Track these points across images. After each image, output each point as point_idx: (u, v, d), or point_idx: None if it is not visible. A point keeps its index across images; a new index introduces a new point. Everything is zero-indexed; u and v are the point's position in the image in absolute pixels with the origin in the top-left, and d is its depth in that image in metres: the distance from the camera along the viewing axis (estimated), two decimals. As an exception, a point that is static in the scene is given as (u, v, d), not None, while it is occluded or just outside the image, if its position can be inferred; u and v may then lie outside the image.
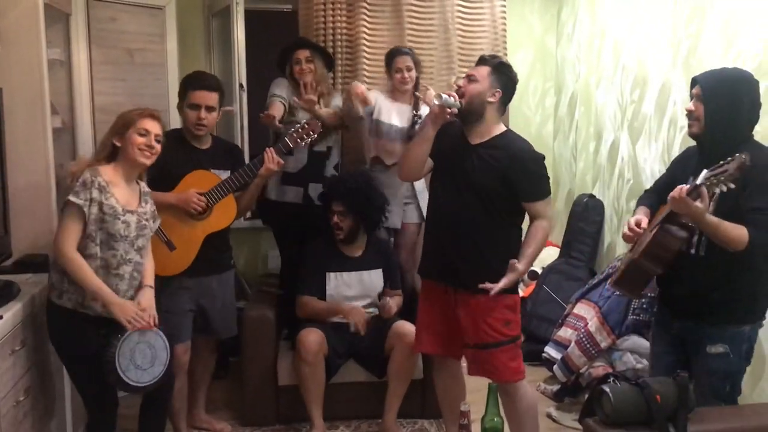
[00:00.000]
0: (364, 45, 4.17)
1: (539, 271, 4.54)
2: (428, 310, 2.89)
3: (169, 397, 2.86)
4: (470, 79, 2.71)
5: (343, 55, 4.18)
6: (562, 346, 3.74)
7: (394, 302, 3.49)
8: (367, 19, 4.20)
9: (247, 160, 4.13)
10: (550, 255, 4.62)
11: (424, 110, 3.59)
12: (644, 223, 2.52)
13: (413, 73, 3.71)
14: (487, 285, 2.64)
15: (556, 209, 4.99)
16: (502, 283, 2.64)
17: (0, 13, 2.94)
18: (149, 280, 2.68)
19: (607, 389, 2.14)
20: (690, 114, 2.44)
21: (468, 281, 2.70)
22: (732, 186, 2.14)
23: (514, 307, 2.75)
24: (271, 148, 3.12)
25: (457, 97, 2.66)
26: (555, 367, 3.69)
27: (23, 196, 2.97)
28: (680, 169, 2.57)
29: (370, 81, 4.14)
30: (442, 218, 2.78)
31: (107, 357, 2.47)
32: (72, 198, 2.45)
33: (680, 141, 3.48)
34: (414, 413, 3.55)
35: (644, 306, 3.47)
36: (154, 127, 2.59)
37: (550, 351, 3.80)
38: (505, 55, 4.44)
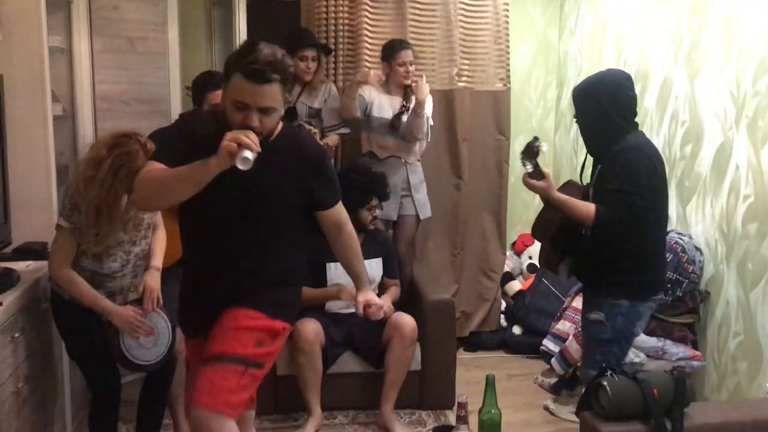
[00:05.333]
0: (366, 36, 4.16)
1: (538, 265, 4.54)
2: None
3: (170, 382, 2.86)
4: (265, 112, 2.03)
5: (344, 46, 4.16)
6: (560, 339, 3.75)
7: (385, 306, 3.43)
8: (369, 10, 4.18)
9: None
10: (549, 248, 4.62)
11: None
12: None
13: (414, 68, 3.76)
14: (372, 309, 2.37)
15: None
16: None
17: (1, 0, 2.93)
18: (156, 261, 2.71)
19: (605, 382, 2.14)
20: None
21: (245, 297, 2.21)
22: (529, 168, 2.54)
23: (273, 334, 2.21)
24: None
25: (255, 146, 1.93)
26: (553, 360, 3.71)
27: (23, 184, 2.96)
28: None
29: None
30: (213, 246, 2.22)
31: (112, 336, 2.53)
32: (63, 222, 2.46)
33: (681, 135, 3.47)
34: (411, 404, 3.56)
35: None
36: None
37: (548, 344, 3.81)
38: (507, 47, 4.43)
